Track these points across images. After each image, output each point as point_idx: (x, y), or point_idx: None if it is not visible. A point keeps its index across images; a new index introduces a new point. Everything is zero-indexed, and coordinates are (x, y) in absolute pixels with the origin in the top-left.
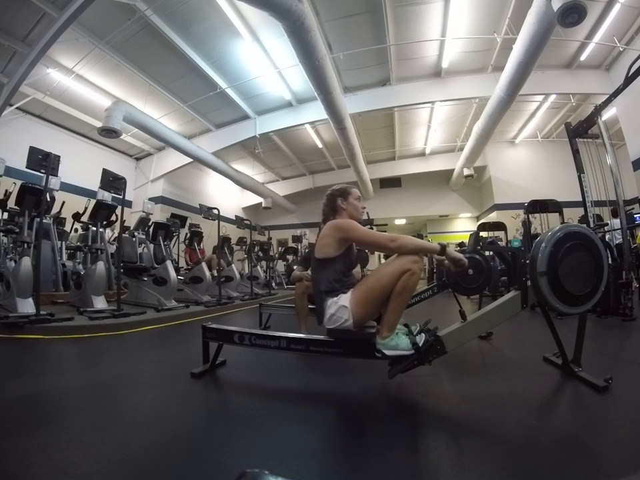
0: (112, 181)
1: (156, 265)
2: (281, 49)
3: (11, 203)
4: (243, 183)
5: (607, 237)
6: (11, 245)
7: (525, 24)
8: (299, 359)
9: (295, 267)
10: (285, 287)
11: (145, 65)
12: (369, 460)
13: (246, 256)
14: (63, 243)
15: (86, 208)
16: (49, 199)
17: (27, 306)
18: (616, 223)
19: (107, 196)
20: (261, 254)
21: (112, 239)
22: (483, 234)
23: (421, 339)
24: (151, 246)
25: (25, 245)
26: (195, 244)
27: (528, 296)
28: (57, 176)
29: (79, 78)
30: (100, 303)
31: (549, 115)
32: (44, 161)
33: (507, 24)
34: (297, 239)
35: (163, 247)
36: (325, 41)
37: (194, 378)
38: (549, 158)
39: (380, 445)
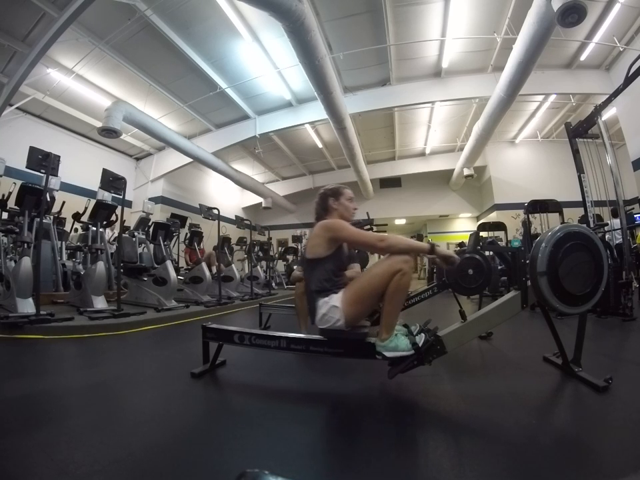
0: (112, 181)
1: (156, 265)
2: (280, 49)
3: (11, 203)
4: (243, 183)
5: (607, 236)
6: (11, 245)
7: (524, 24)
8: (298, 359)
9: (294, 267)
10: (285, 287)
11: (145, 65)
12: (369, 460)
13: (246, 256)
14: (63, 242)
15: (86, 208)
16: (48, 199)
17: (26, 306)
18: (616, 222)
19: (106, 196)
20: (260, 254)
21: (112, 239)
22: (483, 234)
23: (420, 339)
24: (151, 246)
25: (25, 244)
26: (195, 244)
27: (528, 296)
28: (57, 176)
29: (79, 78)
30: (100, 303)
31: (549, 115)
32: (44, 161)
33: (506, 24)
34: (296, 239)
35: (163, 247)
36: (324, 41)
37: (194, 378)
38: (549, 158)
39: (380, 444)
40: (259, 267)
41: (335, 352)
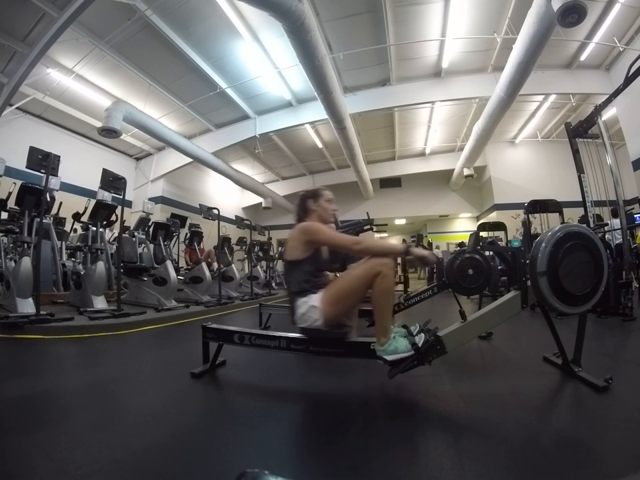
0: (112, 181)
1: (156, 265)
2: (280, 49)
3: (11, 203)
4: (243, 183)
5: (607, 236)
6: (11, 245)
7: (524, 24)
8: (298, 359)
9: None
10: (285, 287)
11: (145, 65)
12: (369, 460)
13: (246, 256)
14: (63, 242)
15: (86, 208)
16: (49, 199)
17: (26, 306)
18: (616, 222)
19: (107, 196)
20: (260, 254)
21: (112, 239)
22: (483, 234)
23: (420, 339)
24: (151, 246)
25: (25, 245)
26: (195, 244)
27: (528, 296)
28: (56, 176)
29: (79, 78)
30: (100, 303)
31: (549, 115)
32: (44, 161)
33: (506, 24)
34: None
35: (163, 247)
36: (324, 41)
37: (194, 378)
38: (549, 158)
39: (380, 444)
40: (259, 267)
41: (338, 352)
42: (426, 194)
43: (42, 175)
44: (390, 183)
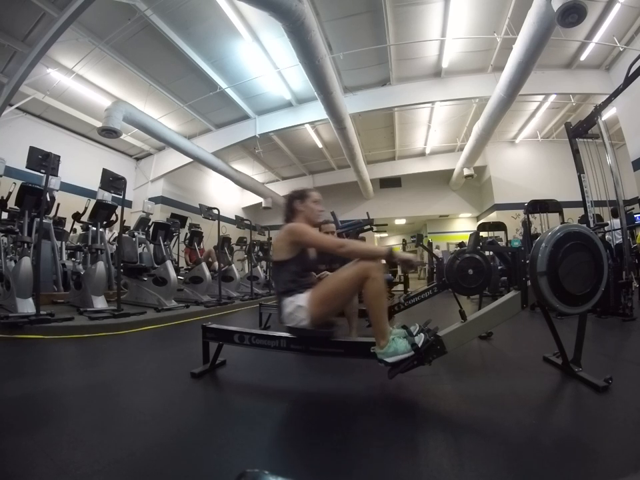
0: (112, 181)
1: (156, 265)
2: (280, 49)
3: (11, 203)
4: (243, 183)
5: (607, 237)
6: (11, 245)
7: (524, 24)
8: (298, 359)
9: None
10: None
11: (145, 65)
12: (369, 460)
13: (246, 256)
14: (63, 243)
15: (86, 208)
16: (49, 199)
17: (26, 306)
18: (616, 222)
19: (107, 196)
20: (260, 254)
21: (112, 239)
22: (483, 234)
23: (420, 339)
24: (151, 246)
25: (25, 245)
26: (195, 244)
27: (528, 296)
28: (56, 176)
29: (79, 78)
30: (100, 303)
31: (549, 115)
32: (44, 161)
33: (506, 24)
34: None
35: (163, 247)
36: (324, 41)
37: (194, 378)
38: (549, 158)
39: (380, 444)
40: (258, 267)
41: (337, 352)
42: (426, 194)
43: (42, 174)
44: (390, 183)
